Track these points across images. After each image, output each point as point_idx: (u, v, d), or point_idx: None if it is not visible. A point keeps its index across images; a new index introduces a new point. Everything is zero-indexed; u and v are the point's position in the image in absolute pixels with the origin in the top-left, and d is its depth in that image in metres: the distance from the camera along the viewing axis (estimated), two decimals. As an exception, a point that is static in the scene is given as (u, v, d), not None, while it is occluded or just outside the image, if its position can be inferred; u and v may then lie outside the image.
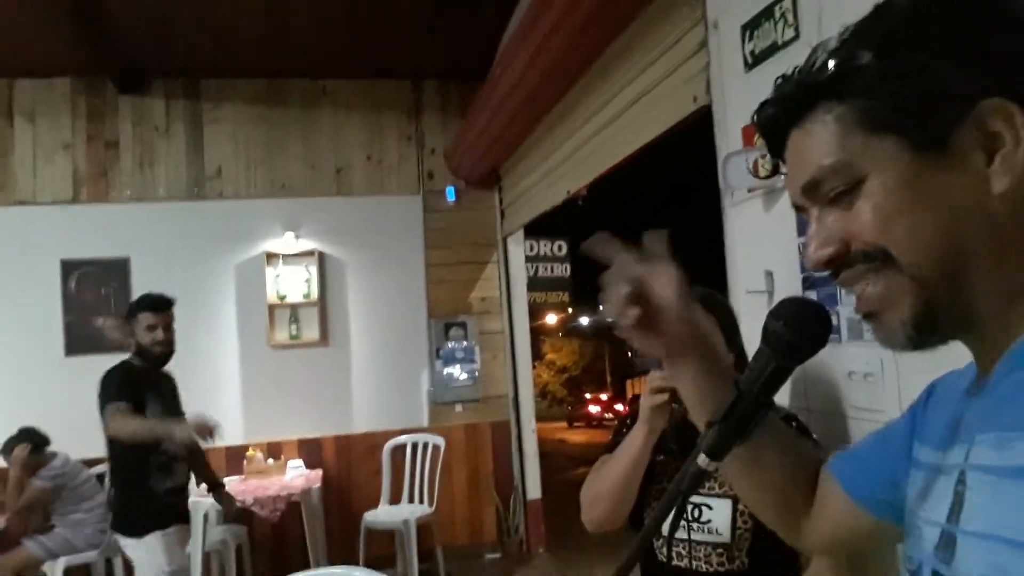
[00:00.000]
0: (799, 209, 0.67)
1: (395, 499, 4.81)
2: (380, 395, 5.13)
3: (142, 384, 3.09)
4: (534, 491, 5.33)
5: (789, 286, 1.94)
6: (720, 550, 1.46)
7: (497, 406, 5.36)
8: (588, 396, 17.02)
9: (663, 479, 1.51)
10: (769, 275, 2.04)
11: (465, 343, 5.27)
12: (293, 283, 5.00)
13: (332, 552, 4.47)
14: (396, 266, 5.22)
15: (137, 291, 4.81)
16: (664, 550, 1.53)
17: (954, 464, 0.60)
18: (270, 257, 4.97)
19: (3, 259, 4.71)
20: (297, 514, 4.24)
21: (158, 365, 3.18)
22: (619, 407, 16.47)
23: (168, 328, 3.17)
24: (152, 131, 4.97)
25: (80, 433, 4.34)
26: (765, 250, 2.08)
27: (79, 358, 4.71)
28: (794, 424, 1.56)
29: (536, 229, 6.04)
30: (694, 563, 1.48)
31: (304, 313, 5.03)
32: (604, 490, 1.47)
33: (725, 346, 1.57)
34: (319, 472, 4.70)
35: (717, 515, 1.48)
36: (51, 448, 4.03)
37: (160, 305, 3.16)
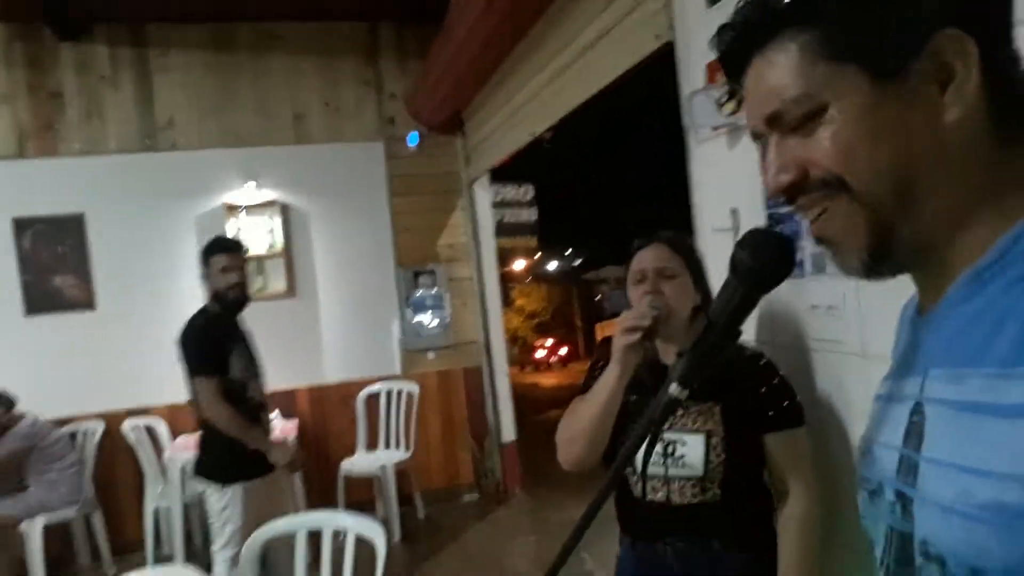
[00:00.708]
0: (756, 136, 0.66)
1: (371, 447, 4.87)
2: (351, 345, 5.12)
3: (223, 335, 3.03)
4: (509, 434, 5.42)
5: (754, 223, 1.96)
6: (693, 482, 1.51)
7: (469, 352, 5.39)
8: (535, 344, 17.90)
9: (636, 418, 1.53)
10: (734, 212, 2.06)
11: (435, 290, 5.26)
12: (256, 235, 4.90)
13: (311, 501, 4.51)
14: (361, 215, 5.15)
15: (95, 248, 4.70)
16: (639, 486, 1.57)
17: (909, 394, 0.62)
18: (231, 209, 4.86)
19: (-50, 219, 4.53)
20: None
21: (235, 311, 3.11)
22: (563, 351, 17.53)
23: (243, 271, 3.10)
24: (98, 80, 4.75)
25: (44, 393, 4.29)
26: (730, 188, 2.09)
27: (39, 317, 4.61)
28: (762, 362, 1.59)
29: (502, 174, 5.98)
30: (669, 496, 1.53)
31: (270, 265, 4.96)
32: (579, 430, 1.50)
33: (693, 286, 1.60)
34: (295, 422, 4.71)
35: (690, 450, 1.52)
36: (18, 409, 3.96)
37: (234, 246, 3.12)
